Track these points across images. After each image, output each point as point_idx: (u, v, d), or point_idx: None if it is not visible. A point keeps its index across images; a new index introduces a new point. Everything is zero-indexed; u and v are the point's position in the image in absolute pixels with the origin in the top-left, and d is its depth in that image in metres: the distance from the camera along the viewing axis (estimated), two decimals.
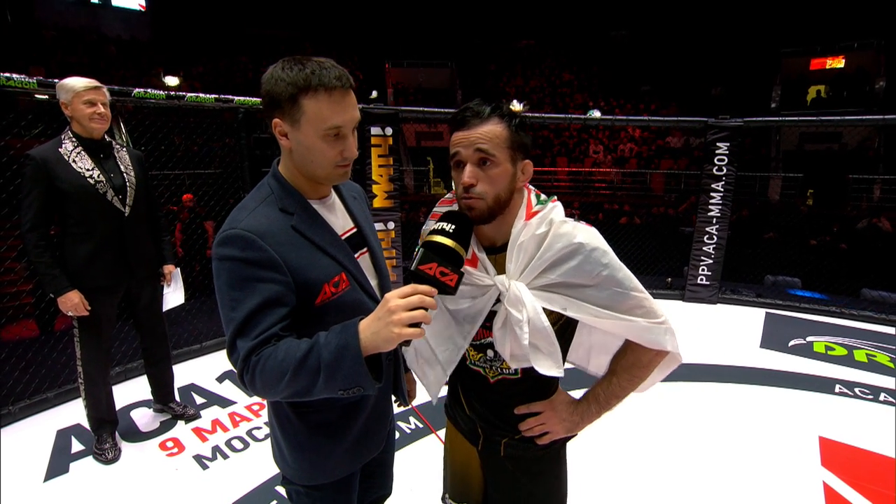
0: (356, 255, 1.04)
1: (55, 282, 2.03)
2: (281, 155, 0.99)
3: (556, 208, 0.99)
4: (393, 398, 1.23)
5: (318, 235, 0.96)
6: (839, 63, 13.50)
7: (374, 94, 15.34)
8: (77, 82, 2.04)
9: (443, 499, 1.27)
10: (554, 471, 1.13)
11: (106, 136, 2.17)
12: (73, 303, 2.06)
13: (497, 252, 1.00)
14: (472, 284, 0.98)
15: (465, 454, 1.18)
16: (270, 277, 0.87)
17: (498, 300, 0.98)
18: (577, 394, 1.13)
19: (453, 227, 0.87)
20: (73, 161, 2.04)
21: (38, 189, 1.99)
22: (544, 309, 0.95)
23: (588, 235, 0.95)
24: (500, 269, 0.98)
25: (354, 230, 1.08)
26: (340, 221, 1.05)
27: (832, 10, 13.64)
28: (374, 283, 1.08)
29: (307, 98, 0.87)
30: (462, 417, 1.15)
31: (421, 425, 2.55)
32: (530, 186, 1.03)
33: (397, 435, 2.47)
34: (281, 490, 2.03)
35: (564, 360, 1.07)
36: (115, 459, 2.28)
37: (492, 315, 1.00)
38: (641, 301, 0.96)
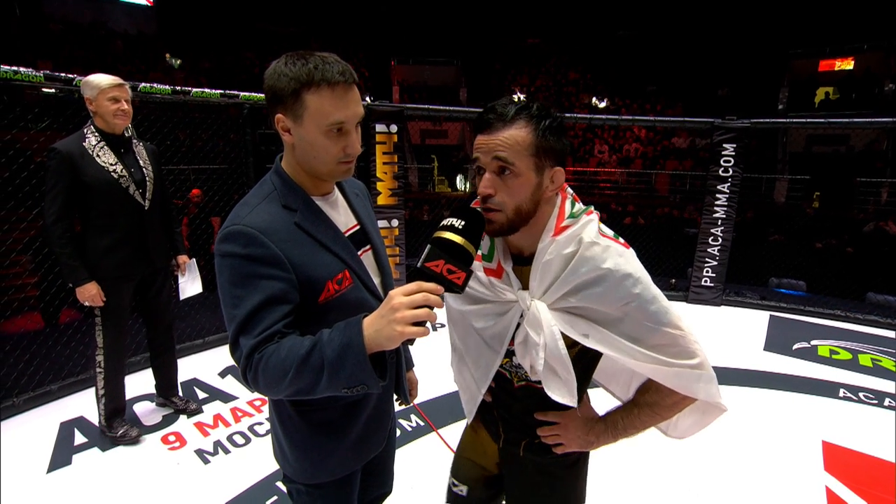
0: (359, 253, 1.03)
1: (75, 273, 2.09)
2: (283, 151, 0.98)
3: (589, 224, 0.89)
4: (394, 397, 1.23)
5: (321, 232, 0.95)
6: (848, 65, 13.40)
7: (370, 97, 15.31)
8: (102, 79, 2.09)
9: (449, 481, 1.26)
10: (570, 479, 1.11)
11: (126, 132, 2.21)
12: (90, 294, 2.12)
13: (524, 263, 0.94)
14: (496, 298, 0.94)
15: (483, 442, 1.18)
16: (273, 274, 0.86)
17: (522, 315, 0.94)
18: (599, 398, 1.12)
19: (463, 223, 0.82)
20: (97, 156, 2.09)
21: (63, 182, 2.04)
22: (564, 334, 0.90)
23: (619, 261, 0.86)
24: (527, 282, 0.92)
25: (357, 227, 1.07)
26: (343, 218, 1.04)
27: (842, 12, 13.52)
28: (376, 280, 1.07)
29: (310, 93, 0.86)
30: (488, 417, 1.14)
31: (422, 423, 2.55)
32: (568, 191, 0.94)
33: (398, 432, 2.48)
34: (282, 486, 2.04)
35: (585, 387, 1.04)
36: (139, 437, 2.36)
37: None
38: (676, 339, 0.88)
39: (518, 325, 0.94)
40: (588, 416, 1.05)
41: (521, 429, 1.07)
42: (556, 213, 0.90)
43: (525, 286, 0.93)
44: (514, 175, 0.84)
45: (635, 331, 0.87)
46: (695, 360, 0.89)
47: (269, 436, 1.52)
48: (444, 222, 0.84)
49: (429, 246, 0.82)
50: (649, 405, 0.99)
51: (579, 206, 0.93)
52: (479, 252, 0.96)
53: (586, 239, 0.87)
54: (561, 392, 0.90)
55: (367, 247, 1.08)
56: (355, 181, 1.16)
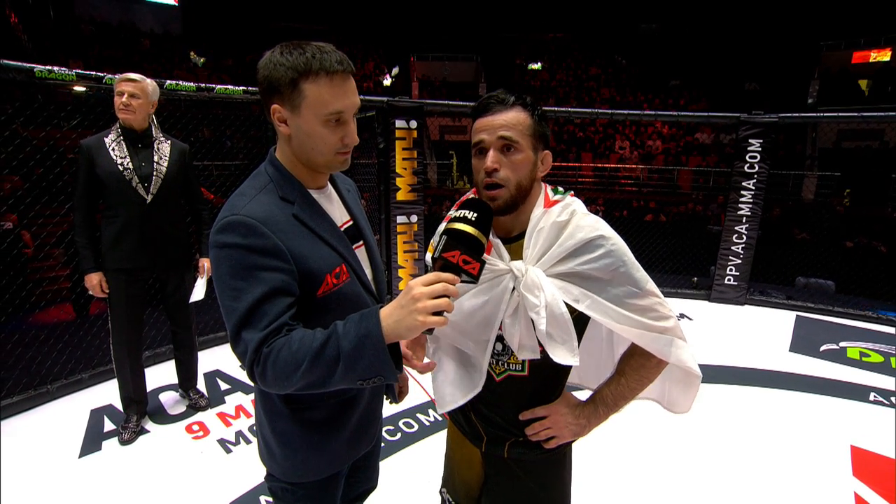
0: (354, 248, 1.02)
1: (83, 261, 2.23)
2: (278, 143, 0.96)
3: (576, 201, 1.00)
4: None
5: (318, 225, 0.93)
6: (884, 56, 12.86)
7: (396, 70, 15.35)
8: (118, 77, 2.20)
9: (440, 491, 1.26)
10: (558, 473, 1.11)
11: (154, 130, 2.27)
12: (91, 283, 2.23)
13: (512, 241, 0.99)
14: (487, 270, 0.95)
15: (468, 453, 1.16)
16: (275, 266, 0.84)
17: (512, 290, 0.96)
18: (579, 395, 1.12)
19: (475, 215, 0.86)
20: (112, 149, 2.18)
21: (82, 174, 2.17)
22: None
23: (610, 230, 0.95)
24: (515, 258, 0.96)
25: (351, 223, 1.07)
26: (338, 213, 1.03)
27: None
28: (369, 275, 1.06)
29: (308, 82, 0.85)
30: (465, 420, 1.12)
31: (440, 418, 2.56)
32: (544, 183, 1.03)
33: (415, 427, 2.50)
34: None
35: (569, 368, 1.06)
36: (128, 442, 2.35)
37: None
38: (655, 304, 0.95)
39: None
40: (572, 402, 1.07)
41: (505, 428, 1.06)
42: (543, 193, 0.99)
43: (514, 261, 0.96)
44: (518, 151, 0.92)
45: (621, 295, 0.93)
46: (671, 325, 0.96)
47: None
48: (457, 214, 0.88)
49: (444, 237, 0.84)
50: (635, 369, 1.03)
51: (561, 188, 1.02)
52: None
53: (579, 210, 0.97)
54: (562, 352, 0.92)
55: (360, 242, 1.07)
56: (346, 178, 1.15)
